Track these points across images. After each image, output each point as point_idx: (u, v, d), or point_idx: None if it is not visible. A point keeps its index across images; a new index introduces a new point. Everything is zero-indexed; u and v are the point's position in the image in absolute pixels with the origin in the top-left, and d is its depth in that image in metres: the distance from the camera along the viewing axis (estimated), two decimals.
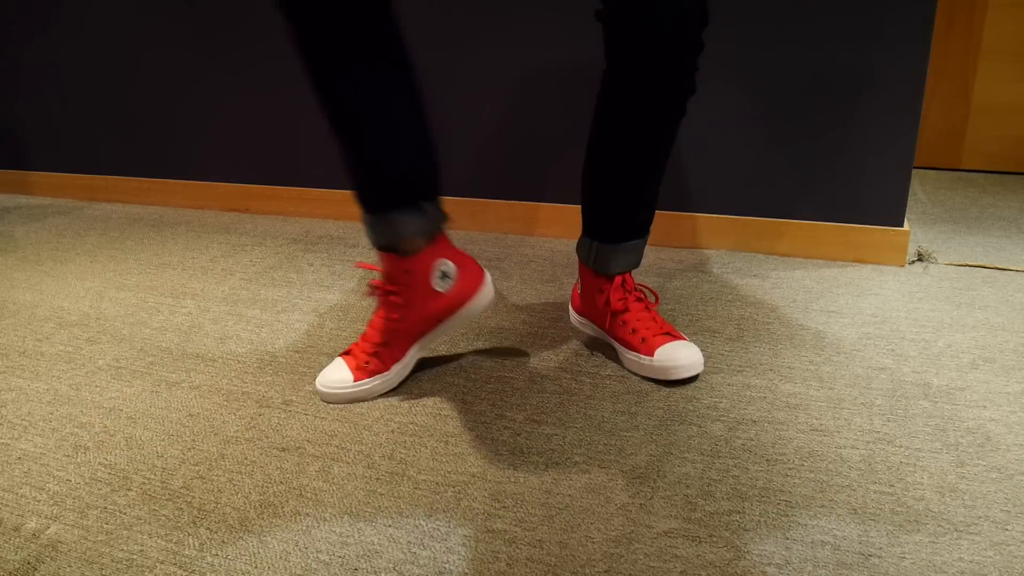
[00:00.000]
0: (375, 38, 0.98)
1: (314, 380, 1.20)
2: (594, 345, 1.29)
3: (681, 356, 1.14)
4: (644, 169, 1.15)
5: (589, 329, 1.31)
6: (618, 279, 1.22)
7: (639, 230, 1.21)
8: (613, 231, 1.20)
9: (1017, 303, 1.39)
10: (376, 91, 1.00)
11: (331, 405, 1.12)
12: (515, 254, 1.78)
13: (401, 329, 1.14)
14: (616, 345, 1.23)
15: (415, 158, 1.07)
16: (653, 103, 1.08)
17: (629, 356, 1.19)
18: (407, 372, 1.18)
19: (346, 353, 1.17)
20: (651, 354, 1.16)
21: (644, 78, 1.06)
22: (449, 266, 1.12)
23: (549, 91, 1.81)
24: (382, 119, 1.02)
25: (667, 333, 1.18)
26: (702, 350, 1.25)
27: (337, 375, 1.14)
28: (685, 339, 1.18)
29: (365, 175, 1.05)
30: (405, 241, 1.08)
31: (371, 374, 1.13)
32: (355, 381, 1.13)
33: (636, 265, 1.23)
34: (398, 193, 1.06)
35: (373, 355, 1.14)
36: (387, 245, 1.09)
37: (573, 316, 1.35)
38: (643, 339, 1.18)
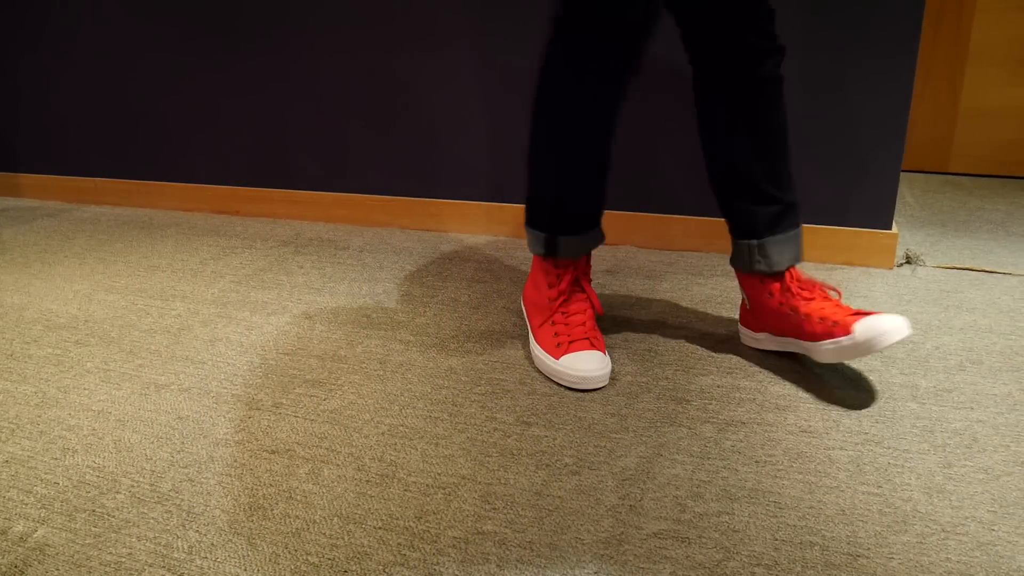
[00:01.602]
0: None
1: (303, 383, 1.20)
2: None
3: (883, 323, 1.06)
4: (764, 147, 1.14)
5: (773, 344, 1.24)
6: (787, 275, 1.18)
7: (788, 217, 1.18)
8: (763, 222, 1.17)
9: (1004, 305, 1.40)
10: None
11: (321, 407, 1.12)
12: (505, 256, 1.78)
13: None
14: (807, 344, 1.15)
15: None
16: (732, 85, 1.10)
17: (827, 346, 1.11)
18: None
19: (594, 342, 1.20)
20: (848, 332, 1.08)
21: (708, 63, 1.10)
22: None
23: None
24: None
25: (857, 313, 1.12)
26: (695, 351, 1.25)
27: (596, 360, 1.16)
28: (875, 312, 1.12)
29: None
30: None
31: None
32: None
33: (799, 257, 1.20)
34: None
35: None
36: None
37: (747, 335, 1.28)
38: (835, 323, 1.11)
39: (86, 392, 1.20)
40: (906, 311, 1.38)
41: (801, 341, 1.16)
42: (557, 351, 1.18)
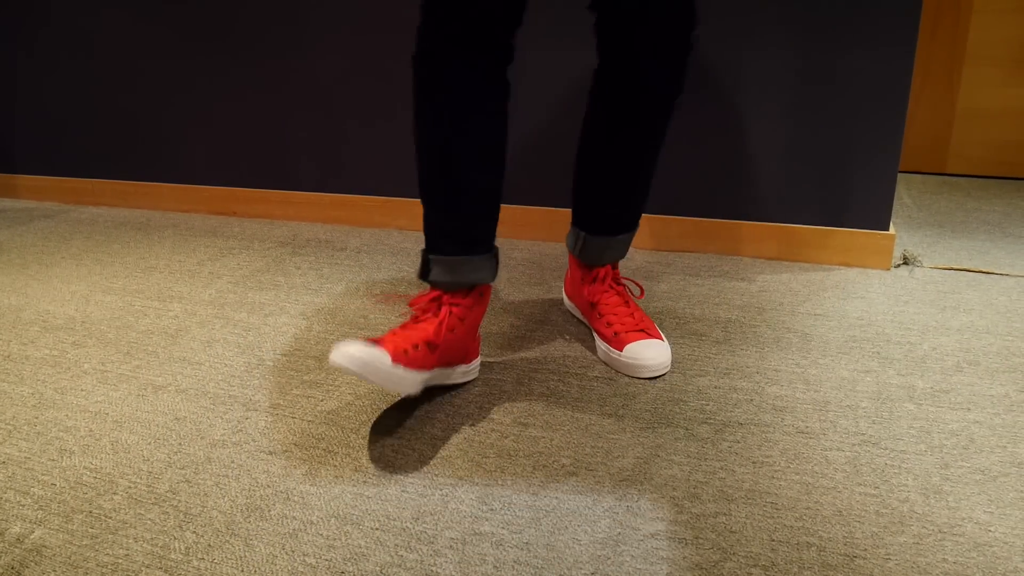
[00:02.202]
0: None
1: (300, 384, 1.20)
2: (581, 346, 1.29)
3: (648, 355, 1.17)
4: (632, 167, 1.17)
5: (576, 313, 1.39)
6: (600, 271, 1.27)
7: (627, 225, 1.24)
8: (601, 225, 1.24)
9: (1001, 306, 1.40)
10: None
11: (318, 408, 1.12)
12: (502, 257, 1.78)
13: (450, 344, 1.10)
14: (594, 334, 1.29)
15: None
16: (640, 102, 1.10)
17: (601, 347, 1.24)
18: (418, 389, 1.07)
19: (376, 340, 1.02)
20: (620, 349, 1.20)
21: (630, 77, 1.07)
22: None
23: (536, 95, 1.82)
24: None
25: (641, 330, 1.22)
26: (692, 352, 1.25)
27: (371, 351, 0.97)
28: (659, 338, 1.22)
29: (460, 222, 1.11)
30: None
31: (408, 364, 1.01)
32: (392, 363, 0.99)
33: (620, 257, 1.28)
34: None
35: (415, 348, 1.04)
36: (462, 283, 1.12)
37: (565, 300, 1.44)
38: (616, 333, 1.22)
39: (83, 393, 1.20)
40: (903, 312, 1.39)
41: (593, 331, 1.29)
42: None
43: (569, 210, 1.87)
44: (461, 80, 1.03)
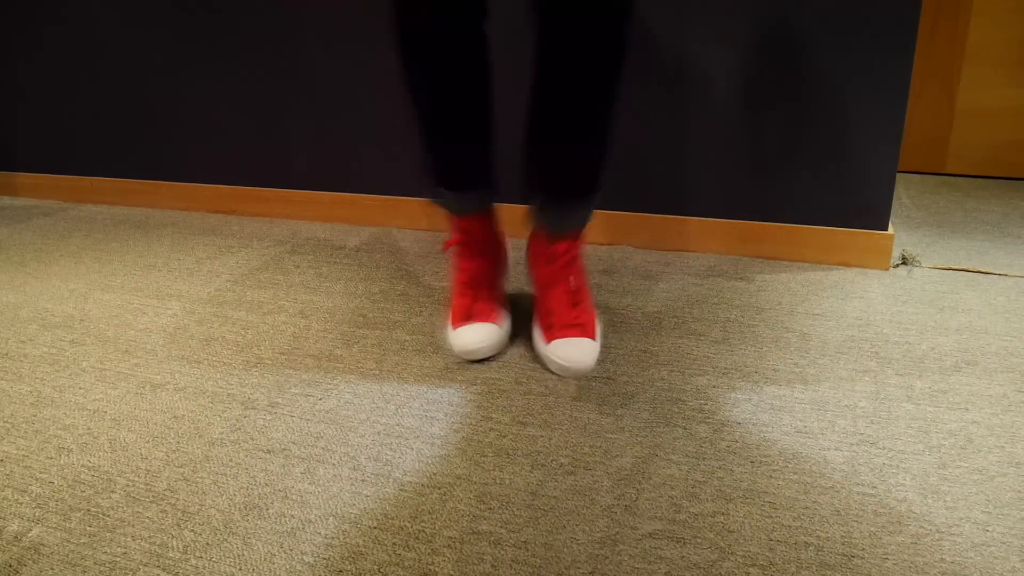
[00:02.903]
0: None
1: (299, 382, 1.20)
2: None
3: (571, 354, 1.17)
4: (579, 103, 1.09)
5: (531, 287, 1.38)
6: (560, 248, 1.23)
7: (584, 186, 1.17)
8: (560, 183, 1.16)
9: (999, 306, 1.40)
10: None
11: (317, 407, 1.12)
12: None
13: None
14: (535, 321, 1.28)
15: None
16: (566, 21, 1.02)
17: (535, 334, 1.26)
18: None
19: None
20: (548, 341, 1.21)
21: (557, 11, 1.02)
22: None
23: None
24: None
25: (576, 325, 1.21)
26: (691, 352, 1.25)
27: (490, 330, 1.23)
28: (591, 337, 1.21)
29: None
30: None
31: (502, 319, 1.28)
32: (501, 327, 1.26)
33: (580, 225, 1.22)
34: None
35: (494, 295, 1.29)
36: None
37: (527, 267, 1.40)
38: (550, 324, 1.22)
39: (81, 391, 1.19)
40: (902, 312, 1.39)
41: (536, 322, 1.29)
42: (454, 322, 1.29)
43: None
44: (439, 33, 1.06)
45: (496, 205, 1.31)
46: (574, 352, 1.17)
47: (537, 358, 1.24)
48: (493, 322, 1.26)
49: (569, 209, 1.19)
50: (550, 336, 1.21)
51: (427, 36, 1.06)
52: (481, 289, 1.29)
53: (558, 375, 1.19)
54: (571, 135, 1.11)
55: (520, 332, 1.35)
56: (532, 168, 1.20)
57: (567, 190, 1.17)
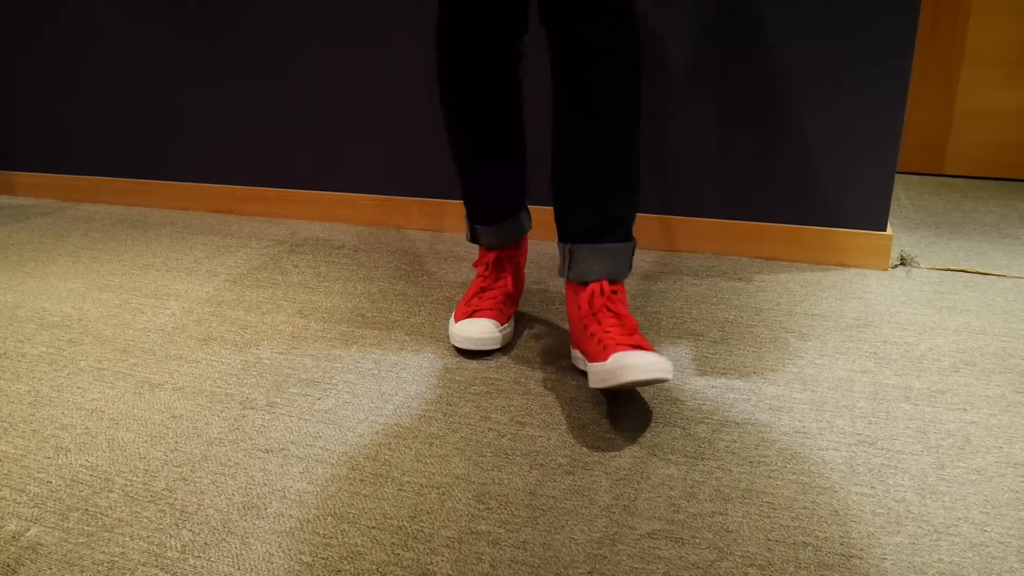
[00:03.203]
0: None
1: (297, 382, 1.20)
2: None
3: (634, 358, 0.98)
4: (595, 151, 1.09)
5: (579, 363, 1.19)
6: (593, 289, 1.13)
7: (610, 229, 1.12)
8: (580, 227, 1.13)
9: (997, 307, 1.40)
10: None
11: (315, 407, 1.12)
12: None
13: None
14: (588, 364, 1.08)
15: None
16: (565, 79, 1.09)
17: (590, 368, 1.06)
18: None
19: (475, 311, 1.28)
20: (606, 359, 1.03)
21: (552, 50, 1.09)
22: None
23: (535, 92, 1.82)
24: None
25: (634, 347, 1.04)
26: (690, 352, 1.25)
27: (485, 324, 1.25)
28: (653, 350, 1.03)
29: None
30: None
31: (503, 321, 1.29)
32: (501, 326, 1.28)
33: (615, 274, 1.14)
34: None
35: (505, 304, 1.31)
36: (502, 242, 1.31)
37: (574, 353, 1.22)
38: (604, 347, 1.05)
39: (79, 391, 1.19)
40: (900, 312, 1.39)
41: (583, 358, 1.16)
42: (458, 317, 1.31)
43: None
44: (479, 58, 1.13)
45: (526, 236, 1.40)
46: (640, 358, 0.98)
47: (538, 360, 1.25)
48: (495, 319, 1.27)
49: (589, 255, 1.14)
50: (605, 354, 1.04)
51: (469, 72, 1.15)
52: (493, 298, 1.31)
53: (623, 383, 0.99)
54: (587, 176, 1.12)
55: (520, 334, 1.35)
56: (557, 213, 1.19)
57: (585, 234, 1.14)
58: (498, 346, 1.27)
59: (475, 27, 1.10)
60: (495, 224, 1.30)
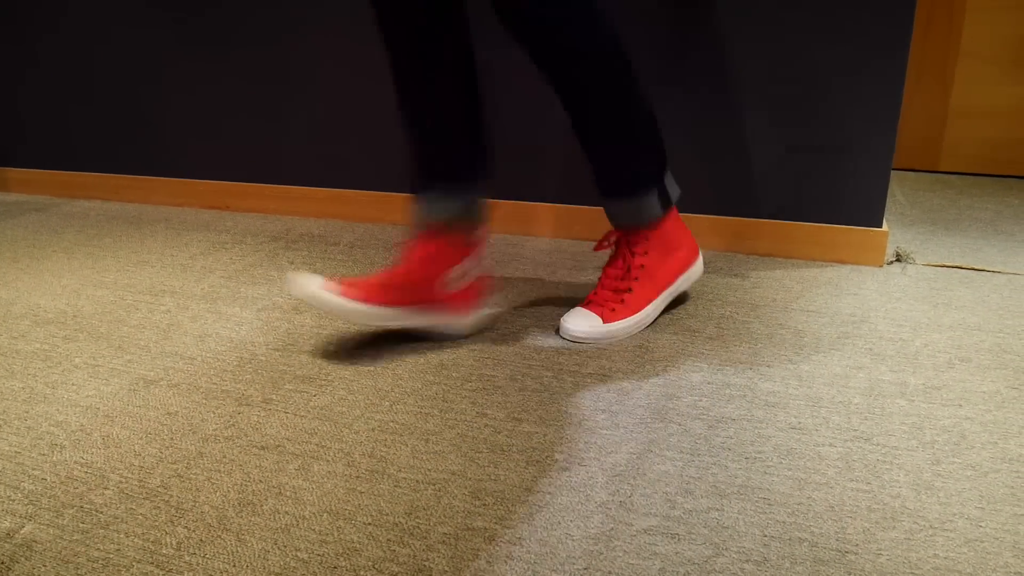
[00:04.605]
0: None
1: (293, 379, 1.19)
2: (577, 344, 1.29)
3: (569, 323, 1.27)
4: (574, 112, 1.18)
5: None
6: (614, 236, 1.33)
7: (620, 184, 1.25)
8: (600, 183, 1.27)
9: (993, 303, 1.40)
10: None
11: (311, 403, 1.12)
12: (497, 252, 1.78)
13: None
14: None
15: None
16: (525, 36, 1.11)
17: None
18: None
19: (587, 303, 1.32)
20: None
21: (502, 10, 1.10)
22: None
23: (542, 89, 1.81)
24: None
25: (592, 302, 1.30)
26: (686, 348, 1.26)
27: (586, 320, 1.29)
28: (599, 316, 1.27)
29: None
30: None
31: (359, 299, 1.21)
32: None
33: (632, 223, 1.28)
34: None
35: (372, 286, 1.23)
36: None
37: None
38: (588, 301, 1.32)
39: (74, 387, 1.19)
40: (896, 308, 1.39)
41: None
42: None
43: (570, 207, 1.87)
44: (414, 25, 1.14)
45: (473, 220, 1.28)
46: (572, 321, 1.27)
47: (534, 356, 1.25)
48: (363, 301, 1.19)
49: (609, 207, 1.29)
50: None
51: (405, 16, 1.14)
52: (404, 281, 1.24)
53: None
54: (589, 137, 1.21)
55: (516, 331, 1.35)
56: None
57: (601, 188, 1.28)
58: (353, 322, 1.28)
59: None
60: (424, 191, 1.27)
